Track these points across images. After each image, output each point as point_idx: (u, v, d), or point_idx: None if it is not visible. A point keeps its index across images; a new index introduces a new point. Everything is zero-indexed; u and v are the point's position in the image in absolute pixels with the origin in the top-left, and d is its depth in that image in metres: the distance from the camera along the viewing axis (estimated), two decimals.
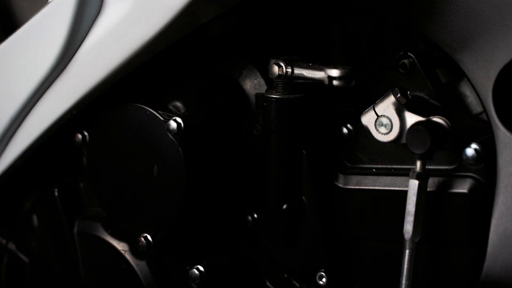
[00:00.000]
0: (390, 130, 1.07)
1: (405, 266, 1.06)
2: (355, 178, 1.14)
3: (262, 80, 1.22)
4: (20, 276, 1.43)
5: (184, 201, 1.17)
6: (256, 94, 1.18)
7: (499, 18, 1.00)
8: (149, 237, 1.20)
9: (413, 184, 1.05)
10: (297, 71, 1.11)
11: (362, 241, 1.15)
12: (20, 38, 1.25)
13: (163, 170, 1.17)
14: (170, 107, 1.21)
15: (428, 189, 1.06)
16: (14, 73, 1.26)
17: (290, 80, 1.12)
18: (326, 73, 1.08)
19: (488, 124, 1.05)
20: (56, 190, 1.32)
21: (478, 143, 1.04)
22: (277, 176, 1.15)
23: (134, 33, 1.13)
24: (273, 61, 1.12)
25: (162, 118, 1.16)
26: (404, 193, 1.06)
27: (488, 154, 1.04)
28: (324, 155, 1.16)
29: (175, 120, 1.15)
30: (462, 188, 1.06)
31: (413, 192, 1.05)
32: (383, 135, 1.08)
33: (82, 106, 1.21)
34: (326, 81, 1.08)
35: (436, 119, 1.05)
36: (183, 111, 1.21)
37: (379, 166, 1.13)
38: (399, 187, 1.10)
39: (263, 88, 1.21)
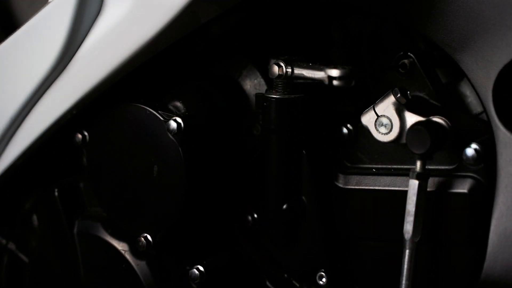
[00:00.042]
0: (390, 130, 1.07)
1: (405, 266, 1.06)
2: (355, 178, 1.14)
3: (262, 80, 1.22)
4: (20, 276, 1.43)
5: (184, 201, 1.17)
6: (256, 94, 1.18)
7: (499, 18, 1.00)
8: (149, 237, 1.20)
9: (413, 184, 1.05)
10: (297, 71, 1.11)
11: (362, 241, 1.15)
12: (20, 38, 1.25)
13: (163, 170, 1.17)
14: (170, 107, 1.21)
15: (428, 189, 1.06)
16: (14, 73, 1.26)
17: (290, 80, 1.12)
18: (326, 73, 1.08)
19: (488, 124, 1.05)
20: (56, 190, 1.32)
21: (478, 143, 1.04)
22: (277, 176, 1.15)
23: (134, 33, 1.13)
24: (273, 61, 1.12)
25: (162, 118, 1.16)
26: (404, 193, 1.06)
27: (488, 154, 1.04)
28: (324, 155, 1.16)
29: (175, 120, 1.15)
30: (462, 188, 1.06)
31: (413, 192, 1.05)
32: (383, 135, 1.08)
33: (82, 106, 1.21)
34: (326, 81, 1.08)
35: (436, 119, 1.06)
36: (183, 111, 1.21)
37: (379, 166, 1.13)
38: (399, 187, 1.10)
39: (263, 88, 1.21)
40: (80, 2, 1.17)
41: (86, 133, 1.25)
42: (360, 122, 1.10)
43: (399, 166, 1.11)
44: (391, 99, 1.07)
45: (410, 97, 1.07)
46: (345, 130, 1.14)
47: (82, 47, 1.19)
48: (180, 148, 1.15)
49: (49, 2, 1.22)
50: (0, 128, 1.26)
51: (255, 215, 1.25)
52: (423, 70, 1.13)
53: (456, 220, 1.06)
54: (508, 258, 1.03)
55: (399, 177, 1.11)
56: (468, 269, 1.08)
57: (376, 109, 1.08)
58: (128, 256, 1.25)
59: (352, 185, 1.14)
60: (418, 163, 1.05)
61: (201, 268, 1.20)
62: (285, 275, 1.21)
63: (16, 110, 1.25)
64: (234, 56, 1.25)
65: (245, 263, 1.26)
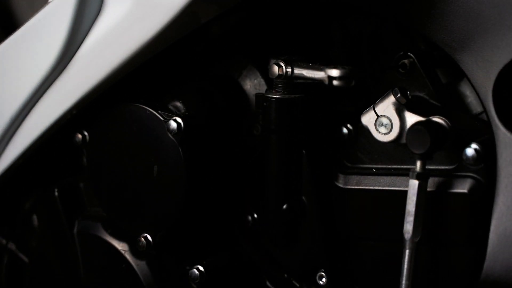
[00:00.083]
0: (390, 130, 1.07)
1: (405, 266, 1.06)
2: (355, 178, 1.14)
3: (262, 80, 1.22)
4: (20, 276, 1.43)
5: (184, 201, 1.17)
6: (256, 94, 1.18)
7: (499, 18, 1.00)
8: (149, 237, 1.20)
9: (413, 184, 1.05)
10: (297, 71, 1.11)
11: (362, 241, 1.15)
12: (20, 38, 1.25)
13: (163, 170, 1.17)
14: (170, 107, 1.21)
15: (428, 189, 1.06)
16: (14, 73, 1.26)
17: (290, 80, 1.12)
18: (326, 73, 1.08)
19: (488, 124, 1.05)
20: (56, 190, 1.32)
21: (478, 143, 1.04)
22: (277, 176, 1.15)
23: (134, 33, 1.13)
24: (273, 61, 1.12)
25: (162, 118, 1.16)
26: (404, 193, 1.06)
27: (488, 154, 1.04)
28: (324, 155, 1.16)
29: (175, 120, 1.15)
30: (462, 188, 1.06)
31: (413, 192, 1.05)
32: (383, 135, 1.08)
33: (82, 106, 1.21)
34: (326, 81, 1.08)
35: (436, 119, 1.05)
36: (183, 111, 1.21)
37: (379, 166, 1.13)
38: (399, 187, 1.10)
39: (263, 88, 1.21)
40: (80, 2, 1.17)
41: (86, 133, 1.25)
42: (360, 122, 1.10)
43: (399, 166, 1.11)
44: (391, 99, 1.07)
45: (410, 97, 1.07)
46: (345, 130, 1.14)
47: (82, 47, 1.19)
48: (180, 148, 1.15)
49: (49, 2, 1.22)
50: (0, 128, 1.26)
51: (255, 215, 1.25)
52: (423, 70, 1.13)
53: (456, 220, 1.06)
54: (508, 258, 1.03)
55: (399, 177, 1.11)
56: (468, 269, 1.08)
57: (376, 109, 1.08)
58: (128, 256, 1.25)
59: (352, 185, 1.14)
60: (418, 163, 1.05)
61: (201, 268, 1.20)
62: (285, 275, 1.21)
63: (16, 110, 1.25)
64: (234, 56, 1.25)
65: (245, 263, 1.26)
